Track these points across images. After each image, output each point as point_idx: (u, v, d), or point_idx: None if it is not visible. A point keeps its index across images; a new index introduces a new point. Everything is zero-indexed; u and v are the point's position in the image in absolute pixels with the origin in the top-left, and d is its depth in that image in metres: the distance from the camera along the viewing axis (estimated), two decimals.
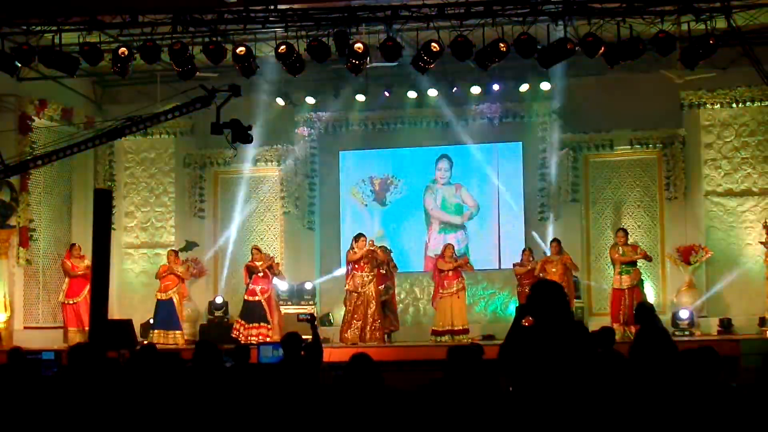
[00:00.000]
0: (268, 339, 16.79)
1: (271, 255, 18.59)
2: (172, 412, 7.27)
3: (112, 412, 6.54)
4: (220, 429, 7.22)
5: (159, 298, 18.16)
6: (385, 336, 17.13)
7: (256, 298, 17.49)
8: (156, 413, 7.11)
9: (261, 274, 17.58)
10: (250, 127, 15.24)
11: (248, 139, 15.33)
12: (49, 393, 6.58)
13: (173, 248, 19.14)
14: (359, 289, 16.82)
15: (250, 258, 18.02)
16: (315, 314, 16.58)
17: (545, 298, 5.76)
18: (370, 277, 16.89)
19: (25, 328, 18.64)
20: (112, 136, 15.78)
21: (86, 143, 15.57)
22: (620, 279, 16.92)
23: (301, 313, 15.21)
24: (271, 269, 17.74)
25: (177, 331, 17.97)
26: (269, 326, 17.36)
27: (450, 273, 17.32)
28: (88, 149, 16.28)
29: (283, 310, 18.10)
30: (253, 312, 17.46)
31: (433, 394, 7.16)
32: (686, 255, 18.19)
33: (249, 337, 17.13)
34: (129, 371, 9.07)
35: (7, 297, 18.14)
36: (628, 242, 17.22)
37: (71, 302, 17.87)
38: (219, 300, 19.12)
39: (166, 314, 18.08)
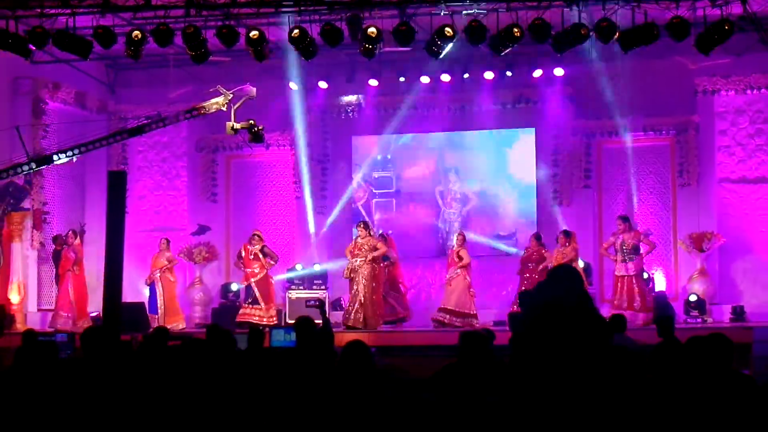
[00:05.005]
0: (256, 320, 17.04)
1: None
2: (184, 396, 7.29)
3: (125, 395, 6.57)
4: (233, 413, 7.24)
5: (147, 283, 18.53)
6: (382, 322, 17.06)
7: (247, 282, 17.65)
8: (168, 397, 7.14)
9: (252, 257, 17.65)
10: (263, 128, 15.63)
11: (262, 140, 16.20)
12: (63, 376, 6.60)
13: (165, 237, 19.19)
14: (351, 275, 16.89)
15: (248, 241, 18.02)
16: (324, 299, 16.61)
17: (563, 283, 5.73)
18: (359, 262, 16.88)
19: (39, 310, 18.76)
20: (134, 133, 16.17)
21: (107, 139, 15.95)
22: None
23: (310, 299, 15.24)
24: (263, 251, 17.77)
25: (154, 315, 18.10)
26: (261, 308, 17.46)
27: (450, 261, 17.60)
28: (109, 144, 16.61)
29: (294, 294, 18.13)
30: (248, 294, 17.67)
31: (444, 379, 7.17)
32: (698, 242, 18.13)
33: (249, 318, 17.29)
34: (142, 355, 9.11)
35: (20, 279, 18.23)
36: (630, 230, 17.09)
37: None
38: (234, 287, 19.12)
39: (151, 299, 18.37)
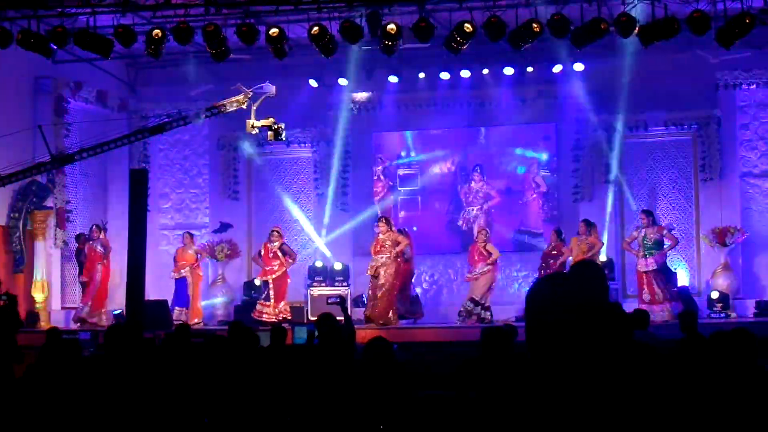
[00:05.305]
0: (265, 318, 17.20)
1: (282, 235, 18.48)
2: (208, 391, 7.33)
3: (148, 392, 6.60)
4: (255, 407, 7.27)
5: (174, 277, 18.62)
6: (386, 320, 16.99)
7: (265, 278, 17.78)
8: (192, 392, 7.17)
9: (271, 255, 17.70)
10: (283, 126, 15.64)
11: (282, 138, 16.06)
12: (87, 373, 6.64)
13: (189, 231, 19.30)
14: (376, 272, 16.85)
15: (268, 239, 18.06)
16: (346, 296, 16.62)
17: (584, 278, 5.71)
18: (383, 259, 16.82)
19: (62, 308, 18.88)
20: (155, 132, 16.20)
21: (129, 137, 16.01)
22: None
23: (331, 296, 15.25)
24: (282, 249, 17.80)
25: (183, 308, 18.17)
26: (270, 305, 17.52)
27: (477, 257, 17.37)
28: (131, 143, 16.73)
29: (317, 291, 18.17)
30: (263, 290, 17.81)
31: (467, 375, 7.18)
32: (721, 237, 18.06)
33: (259, 315, 17.46)
34: (165, 352, 9.16)
35: (44, 278, 18.33)
36: (653, 224, 17.01)
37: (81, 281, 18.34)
38: (257, 282, 19.18)
39: (178, 292, 18.49)
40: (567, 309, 3.91)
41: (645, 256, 16.74)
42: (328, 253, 19.67)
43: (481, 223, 19.43)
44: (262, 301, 17.66)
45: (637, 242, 16.96)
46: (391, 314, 16.73)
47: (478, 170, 19.96)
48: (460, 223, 20.00)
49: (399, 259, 16.91)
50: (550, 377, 3.97)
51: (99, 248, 18.02)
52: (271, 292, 17.59)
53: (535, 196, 19.85)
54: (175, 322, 17.01)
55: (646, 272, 16.71)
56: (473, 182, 19.97)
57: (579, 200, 19.26)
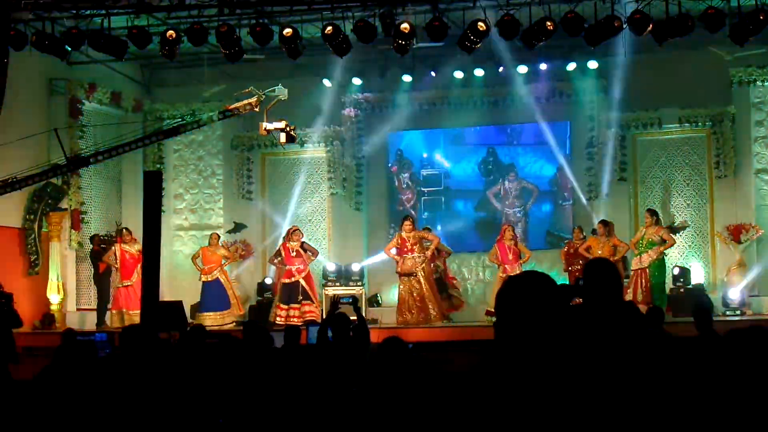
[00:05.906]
0: (307, 316, 16.97)
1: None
2: (222, 392, 7.34)
3: (163, 392, 6.62)
4: (269, 408, 7.28)
5: (204, 280, 18.15)
6: (443, 317, 17.01)
7: (293, 279, 17.45)
8: (206, 393, 7.19)
9: (293, 254, 17.57)
10: (295, 127, 15.63)
11: (295, 140, 16.19)
12: (102, 374, 6.66)
13: (217, 231, 19.17)
14: (412, 270, 16.79)
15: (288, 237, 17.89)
16: (358, 296, 16.60)
17: (598, 277, 5.70)
18: (422, 258, 16.84)
19: (78, 310, 18.91)
20: (169, 135, 16.23)
21: (143, 140, 16.05)
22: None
23: (343, 297, 15.21)
24: (303, 247, 17.68)
25: (226, 311, 18.02)
26: (313, 303, 17.38)
27: (511, 257, 17.21)
28: (145, 146, 16.76)
29: (331, 291, 18.13)
30: (291, 293, 17.41)
31: (482, 373, 7.16)
32: (736, 234, 18.00)
33: (290, 318, 17.06)
34: (180, 352, 9.17)
35: (59, 279, 18.37)
36: (655, 224, 16.91)
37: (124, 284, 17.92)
38: (269, 281, 19.17)
39: (215, 295, 18.09)
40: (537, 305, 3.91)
41: (639, 255, 16.74)
42: (340, 255, 19.63)
43: (520, 225, 19.32)
44: (306, 302, 17.27)
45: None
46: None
47: (513, 170, 19.89)
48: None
49: (431, 256, 16.96)
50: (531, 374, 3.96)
51: (134, 251, 17.78)
52: (309, 292, 17.39)
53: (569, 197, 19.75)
54: (224, 328, 16.89)
55: (639, 270, 16.65)
56: (507, 183, 19.91)
57: (593, 198, 19.21)
